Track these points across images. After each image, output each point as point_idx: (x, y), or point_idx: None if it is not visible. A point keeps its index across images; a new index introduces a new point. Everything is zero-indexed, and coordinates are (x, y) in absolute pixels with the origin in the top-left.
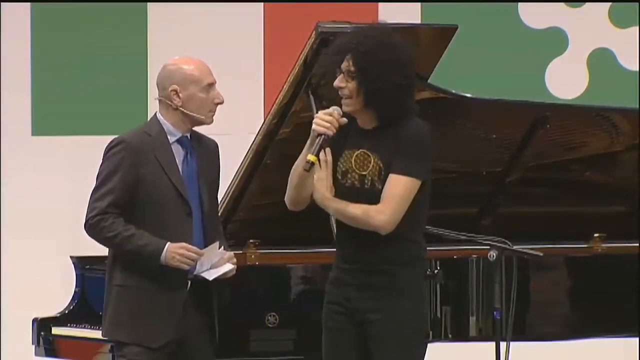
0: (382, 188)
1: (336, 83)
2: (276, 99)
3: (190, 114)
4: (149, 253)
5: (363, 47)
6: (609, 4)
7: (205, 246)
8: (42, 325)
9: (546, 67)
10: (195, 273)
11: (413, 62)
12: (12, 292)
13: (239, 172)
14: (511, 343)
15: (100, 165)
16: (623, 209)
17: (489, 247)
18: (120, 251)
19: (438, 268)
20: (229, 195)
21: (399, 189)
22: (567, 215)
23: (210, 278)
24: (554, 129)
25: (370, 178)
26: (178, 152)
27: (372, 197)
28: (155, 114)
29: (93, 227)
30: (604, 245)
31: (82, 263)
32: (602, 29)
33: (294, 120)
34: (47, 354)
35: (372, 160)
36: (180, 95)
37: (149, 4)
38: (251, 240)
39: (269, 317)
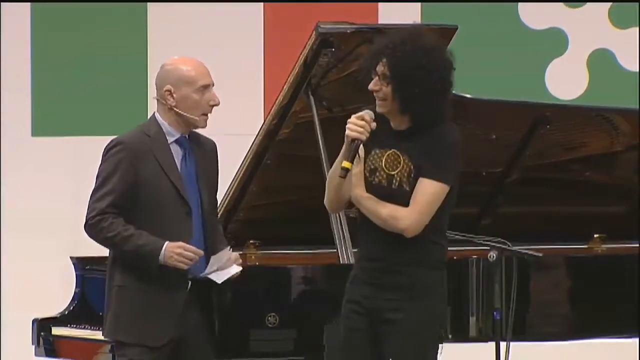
0: (410, 190)
1: (371, 86)
2: (276, 99)
3: (183, 114)
4: (147, 252)
5: (399, 52)
6: (609, 4)
7: (206, 245)
8: (42, 326)
9: (546, 68)
10: (203, 274)
11: (450, 64)
12: (12, 292)
13: (239, 172)
14: (511, 343)
15: (100, 166)
16: (623, 209)
17: (488, 247)
18: (120, 251)
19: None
20: (229, 196)
21: (429, 193)
22: (567, 215)
23: (220, 281)
24: (554, 129)
25: (398, 179)
26: (177, 152)
27: (399, 197)
28: (154, 114)
29: (92, 228)
30: (604, 245)
31: (82, 263)
32: (602, 29)
33: (294, 120)
34: (47, 354)
35: (402, 162)
36: (174, 95)
37: (149, 4)
38: (251, 241)
39: (269, 317)
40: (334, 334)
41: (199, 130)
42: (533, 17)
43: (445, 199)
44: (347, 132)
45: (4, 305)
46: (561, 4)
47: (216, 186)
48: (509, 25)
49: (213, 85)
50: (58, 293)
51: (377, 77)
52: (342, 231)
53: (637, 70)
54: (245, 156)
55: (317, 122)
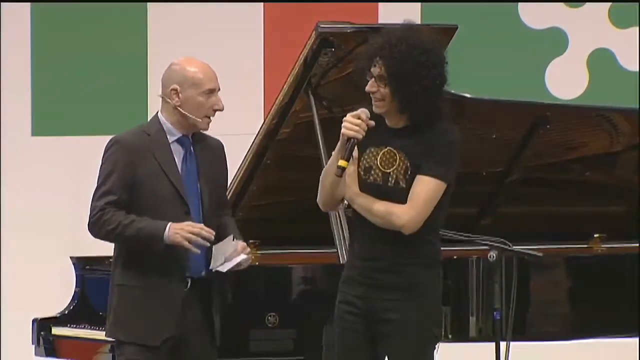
0: (406, 187)
1: (368, 88)
2: (276, 99)
3: (187, 115)
4: (150, 233)
5: (396, 52)
6: (609, 4)
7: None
8: (42, 325)
9: (546, 67)
10: (210, 268)
11: (445, 60)
12: (12, 292)
13: (239, 172)
14: (511, 343)
15: (100, 166)
16: (623, 209)
17: (488, 247)
18: (123, 240)
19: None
20: (229, 195)
21: (427, 191)
22: (567, 215)
23: (225, 270)
24: (554, 129)
25: (394, 176)
26: (177, 152)
27: (395, 195)
28: (157, 113)
29: (95, 224)
30: (604, 245)
31: (82, 263)
32: (602, 29)
33: (294, 120)
34: (47, 354)
35: (398, 159)
36: (180, 95)
37: (149, 4)
38: (251, 240)
39: (269, 317)
40: (333, 334)
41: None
42: (533, 17)
43: (442, 197)
44: (342, 130)
45: (4, 305)
46: (561, 3)
47: (224, 186)
48: (509, 25)
49: (219, 90)
50: (58, 293)
51: (373, 79)
52: (342, 231)
53: (637, 70)
54: (245, 156)
55: (317, 122)
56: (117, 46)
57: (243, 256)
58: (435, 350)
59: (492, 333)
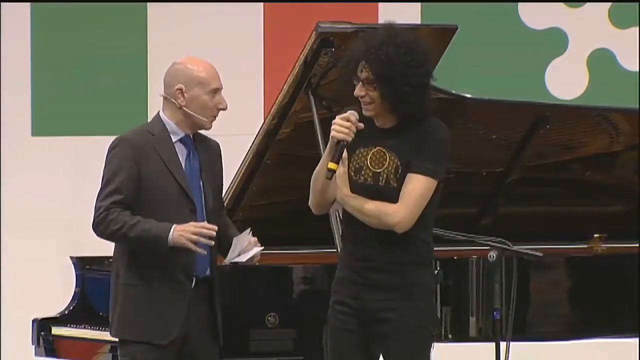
0: (398, 186)
1: (357, 92)
2: (276, 99)
3: (192, 114)
4: (154, 235)
5: (383, 55)
6: (609, 4)
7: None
8: (42, 326)
9: (546, 67)
10: (227, 261)
11: (430, 57)
12: (12, 292)
13: (239, 172)
14: (511, 343)
15: (104, 166)
16: (623, 209)
17: (489, 247)
18: (127, 240)
19: (438, 268)
20: (229, 196)
21: (419, 188)
22: (567, 215)
23: (242, 261)
24: (554, 129)
25: (385, 176)
26: (181, 151)
27: (386, 194)
28: (159, 112)
29: (100, 224)
30: (604, 245)
31: (82, 263)
32: (602, 29)
33: (294, 120)
34: (47, 354)
35: (388, 158)
36: (185, 95)
37: (149, 4)
38: None
39: (269, 317)
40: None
41: (201, 131)
42: (533, 17)
43: (433, 194)
44: (332, 133)
45: (4, 305)
46: (561, 3)
47: (221, 186)
48: (509, 25)
49: (222, 89)
50: (58, 293)
51: (360, 83)
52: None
53: (637, 70)
54: (245, 156)
55: (317, 122)
56: (117, 46)
57: (257, 249)
58: (431, 349)
59: (492, 333)
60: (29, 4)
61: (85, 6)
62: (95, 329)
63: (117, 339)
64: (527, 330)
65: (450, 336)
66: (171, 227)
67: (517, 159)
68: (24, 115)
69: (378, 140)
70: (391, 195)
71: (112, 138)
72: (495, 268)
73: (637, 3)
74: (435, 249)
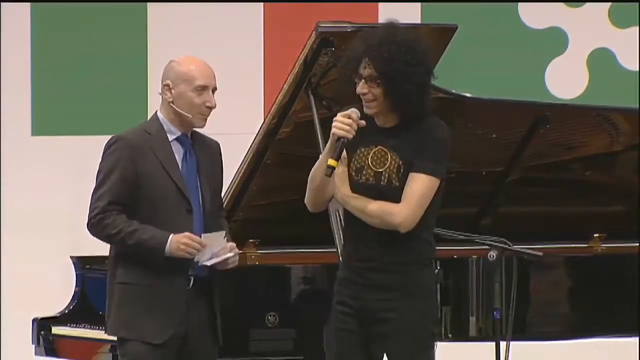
0: (400, 185)
1: (359, 90)
2: (276, 98)
3: (179, 111)
4: (152, 246)
5: (385, 52)
6: (609, 4)
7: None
8: (42, 325)
9: (546, 67)
10: (199, 264)
11: (430, 56)
12: (12, 292)
13: (239, 172)
14: (511, 343)
15: (100, 164)
16: (623, 209)
17: (489, 247)
18: (124, 247)
19: (438, 268)
20: (229, 195)
21: (421, 187)
22: (567, 215)
23: (209, 264)
24: (554, 129)
25: (387, 175)
26: (178, 150)
27: (388, 194)
28: (156, 112)
29: (95, 226)
30: (604, 245)
31: (82, 263)
32: (602, 29)
33: (293, 119)
34: (47, 354)
35: (390, 158)
36: (172, 91)
37: (149, 4)
38: (251, 240)
39: (269, 317)
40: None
41: (200, 130)
42: (533, 16)
43: (435, 193)
44: (333, 130)
45: (4, 305)
46: (561, 3)
47: (220, 186)
48: (509, 25)
49: (215, 89)
50: (58, 292)
51: (363, 81)
52: (342, 231)
53: (637, 69)
54: (245, 156)
55: (317, 122)
56: (117, 46)
57: (230, 254)
58: (434, 349)
59: (492, 333)
60: (29, 4)
61: (85, 6)
62: (96, 329)
63: (116, 339)
64: (527, 330)
65: (450, 336)
66: (168, 238)
67: (517, 159)
68: (24, 115)
69: (379, 139)
70: (393, 194)
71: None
72: (495, 268)
73: (637, 3)
74: (435, 248)
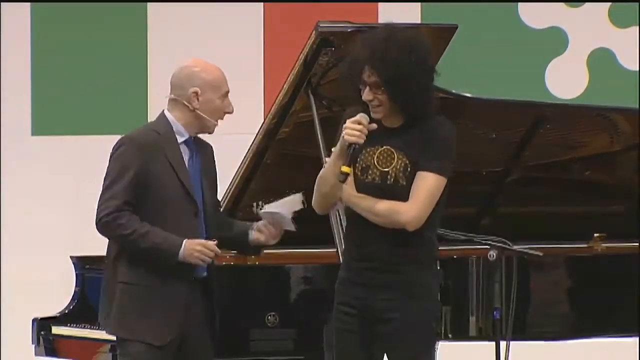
0: (407, 184)
1: (365, 97)
2: (276, 98)
3: (204, 117)
4: (165, 250)
5: (387, 58)
6: (609, 4)
7: None
8: (42, 325)
9: (546, 67)
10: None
11: (431, 55)
12: (12, 292)
13: (239, 172)
14: (511, 343)
15: (110, 164)
16: (623, 209)
17: (489, 246)
18: (135, 248)
19: (438, 268)
20: (229, 195)
21: (429, 186)
22: (567, 215)
23: (278, 210)
24: (554, 129)
25: (393, 174)
26: (185, 153)
27: (395, 193)
28: (163, 113)
29: (108, 225)
30: (604, 245)
31: (82, 263)
32: (602, 28)
33: (293, 119)
34: (47, 354)
35: (396, 157)
36: (199, 98)
37: (149, 4)
38: None
39: (269, 317)
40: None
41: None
42: (533, 16)
43: (442, 192)
44: (345, 137)
45: (4, 305)
46: (561, 3)
47: (217, 188)
48: (509, 25)
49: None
50: (58, 292)
51: (367, 88)
52: (342, 231)
53: (637, 69)
54: (245, 155)
55: (317, 122)
56: (117, 46)
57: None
58: (436, 348)
59: (492, 333)
60: (29, 4)
61: (85, 6)
62: (96, 328)
63: (116, 338)
64: (527, 330)
65: (450, 335)
66: (182, 243)
67: (517, 159)
68: (24, 115)
69: (385, 139)
70: (400, 193)
71: (112, 137)
72: (496, 268)
73: (637, 3)
74: (438, 247)
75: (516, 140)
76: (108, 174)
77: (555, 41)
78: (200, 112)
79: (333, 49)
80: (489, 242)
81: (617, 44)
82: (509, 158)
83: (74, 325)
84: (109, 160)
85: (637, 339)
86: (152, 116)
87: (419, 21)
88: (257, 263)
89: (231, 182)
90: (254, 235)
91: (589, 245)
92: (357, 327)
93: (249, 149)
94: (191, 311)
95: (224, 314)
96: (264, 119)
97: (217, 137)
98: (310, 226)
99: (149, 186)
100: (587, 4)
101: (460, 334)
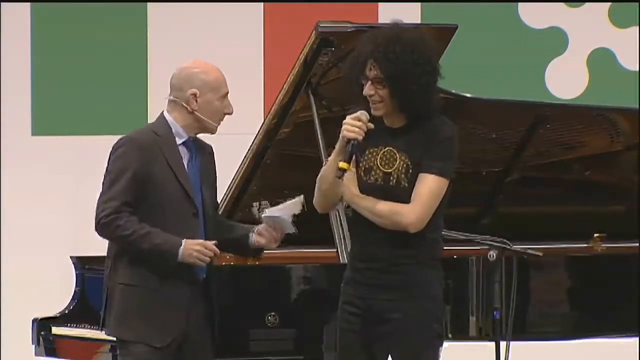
0: (409, 186)
1: (366, 91)
2: (276, 98)
3: (204, 119)
4: (165, 251)
5: (391, 53)
6: (609, 4)
7: None
8: (42, 325)
9: (546, 67)
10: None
11: (435, 57)
12: (12, 292)
13: (239, 172)
14: (511, 343)
15: (109, 165)
16: (623, 209)
17: (489, 246)
18: (134, 249)
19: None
20: (229, 195)
21: (431, 188)
22: (567, 215)
23: (274, 214)
24: (553, 128)
25: (396, 175)
26: (184, 154)
27: (397, 194)
28: (163, 114)
29: (106, 226)
30: (604, 245)
31: (82, 263)
32: (602, 29)
33: (293, 120)
34: (47, 354)
35: (399, 158)
36: (198, 99)
37: (149, 4)
38: None
39: (269, 317)
40: (334, 334)
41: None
42: (533, 16)
43: (445, 193)
44: (343, 133)
45: (4, 305)
46: (561, 3)
47: (216, 189)
48: (509, 25)
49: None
50: (58, 292)
51: (369, 82)
52: (342, 231)
53: (637, 69)
54: (245, 156)
55: (317, 122)
56: (117, 46)
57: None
58: (440, 349)
59: (492, 333)
60: (29, 4)
61: (85, 6)
62: (96, 329)
63: (115, 339)
64: (527, 330)
65: (450, 336)
66: (181, 244)
67: (517, 158)
68: (24, 115)
69: (388, 140)
70: (402, 195)
71: (112, 137)
72: (496, 268)
73: (637, 3)
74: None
75: (516, 140)
76: (107, 175)
77: (555, 41)
78: (199, 113)
79: (333, 49)
80: (489, 242)
81: (617, 44)
82: (509, 158)
83: (74, 325)
84: (108, 161)
85: (637, 339)
86: (152, 116)
87: (419, 21)
88: (257, 263)
89: (231, 182)
90: (255, 238)
91: (589, 245)
92: (360, 327)
93: (249, 149)
94: (191, 312)
95: (224, 314)
96: (264, 119)
97: (217, 137)
98: (310, 226)
99: (148, 187)
100: (587, 4)
101: (460, 334)
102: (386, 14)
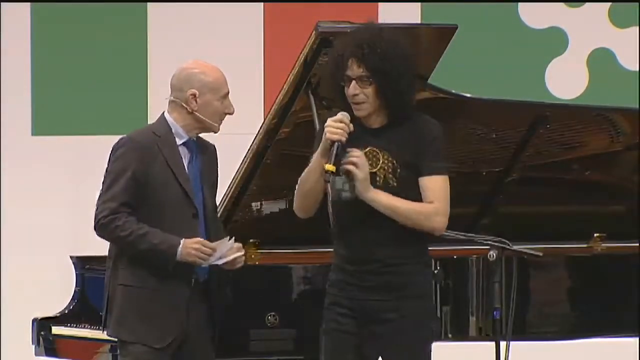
0: (398, 185)
1: (351, 91)
2: (276, 98)
3: (204, 119)
4: (163, 250)
5: (376, 51)
6: (609, 4)
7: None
8: (42, 325)
9: (546, 67)
10: (209, 262)
11: (414, 54)
12: (12, 292)
13: (239, 172)
14: (511, 342)
15: (109, 165)
16: (623, 209)
17: (488, 246)
18: (133, 250)
19: (438, 268)
20: (229, 195)
21: (443, 188)
22: (567, 215)
23: (219, 263)
24: (553, 129)
25: (382, 175)
26: (184, 154)
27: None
28: (163, 114)
29: (105, 227)
30: (604, 245)
31: (82, 263)
32: (602, 29)
33: (293, 119)
34: (47, 354)
35: (382, 158)
36: (197, 100)
37: (149, 4)
38: (251, 240)
39: (269, 317)
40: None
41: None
42: (533, 16)
43: None
44: (327, 135)
45: (4, 305)
46: (561, 3)
47: (216, 189)
48: (509, 25)
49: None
50: (58, 292)
51: (353, 82)
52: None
53: (637, 69)
54: (245, 156)
55: (317, 122)
56: (117, 46)
57: (238, 254)
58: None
59: (492, 332)
60: (29, 4)
61: (85, 6)
62: (96, 328)
63: (115, 339)
64: (527, 330)
65: (450, 335)
66: (180, 243)
67: (517, 159)
68: (24, 115)
69: (368, 140)
70: (395, 194)
71: (112, 137)
72: (495, 267)
73: (637, 3)
74: (435, 248)
75: (516, 140)
76: (106, 175)
77: (555, 41)
78: (199, 113)
79: None
80: (489, 242)
81: (617, 44)
82: (509, 158)
83: (74, 325)
84: (108, 162)
85: (637, 339)
86: (152, 116)
87: (419, 21)
88: (257, 263)
89: (231, 182)
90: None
91: (589, 245)
92: (352, 327)
93: (249, 149)
94: (191, 312)
95: (224, 314)
96: (264, 119)
97: (217, 137)
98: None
99: (148, 188)
100: (587, 4)
101: (460, 334)
102: (386, 14)
